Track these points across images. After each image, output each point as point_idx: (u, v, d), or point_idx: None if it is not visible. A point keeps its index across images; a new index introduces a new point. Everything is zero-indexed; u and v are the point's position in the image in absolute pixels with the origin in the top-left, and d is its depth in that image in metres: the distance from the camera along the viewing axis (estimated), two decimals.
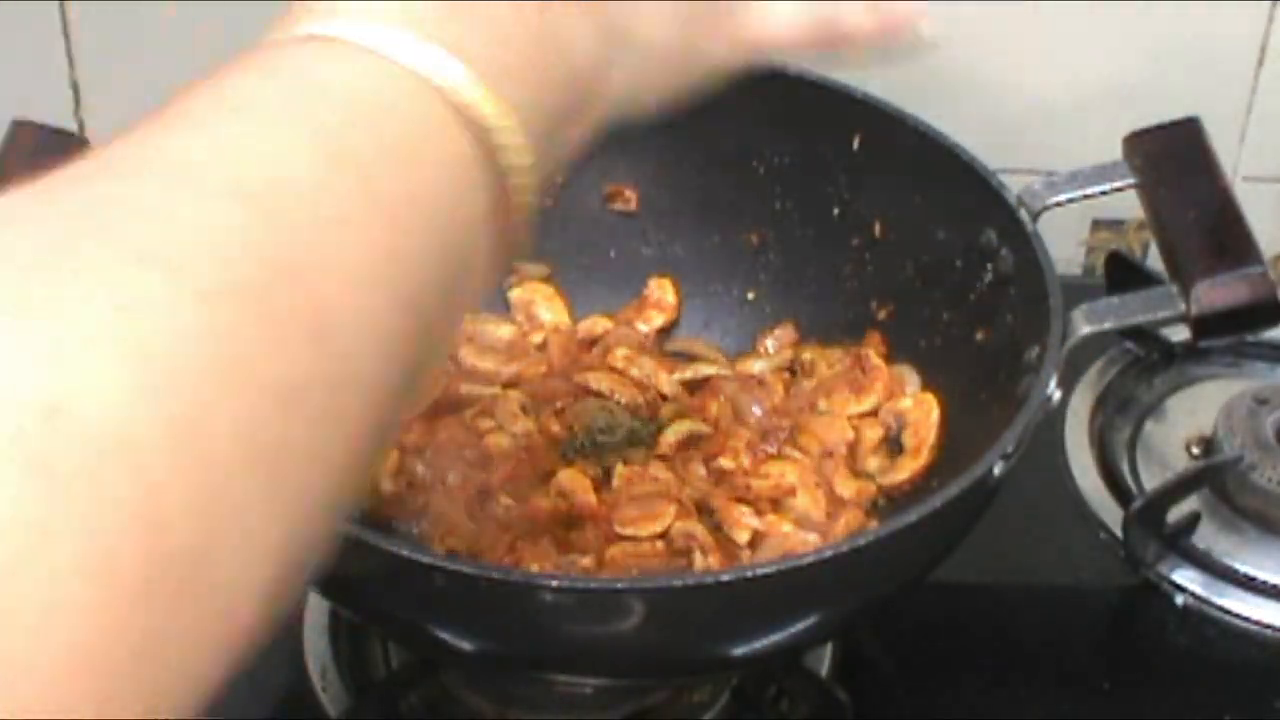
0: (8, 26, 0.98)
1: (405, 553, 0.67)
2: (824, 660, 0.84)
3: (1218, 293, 0.76)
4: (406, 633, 0.74)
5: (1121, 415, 0.98)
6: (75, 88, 1.00)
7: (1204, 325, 0.76)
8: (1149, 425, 0.97)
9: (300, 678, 0.83)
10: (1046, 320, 0.76)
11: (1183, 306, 0.76)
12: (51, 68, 0.99)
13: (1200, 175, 0.80)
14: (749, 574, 0.69)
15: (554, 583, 0.67)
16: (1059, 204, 0.81)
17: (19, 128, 0.80)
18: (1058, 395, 0.74)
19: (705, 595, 0.67)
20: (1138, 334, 0.98)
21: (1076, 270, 1.08)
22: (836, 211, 0.91)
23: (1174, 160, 0.81)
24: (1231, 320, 0.77)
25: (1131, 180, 0.81)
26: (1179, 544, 0.90)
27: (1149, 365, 1.00)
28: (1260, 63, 1.02)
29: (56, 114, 0.85)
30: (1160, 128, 0.82)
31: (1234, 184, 0.81)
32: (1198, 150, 0.81)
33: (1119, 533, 0.89)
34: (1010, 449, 0.71)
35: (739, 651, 0.73)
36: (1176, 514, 0.89)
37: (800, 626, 0.72)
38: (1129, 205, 0.83)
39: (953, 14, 0.98)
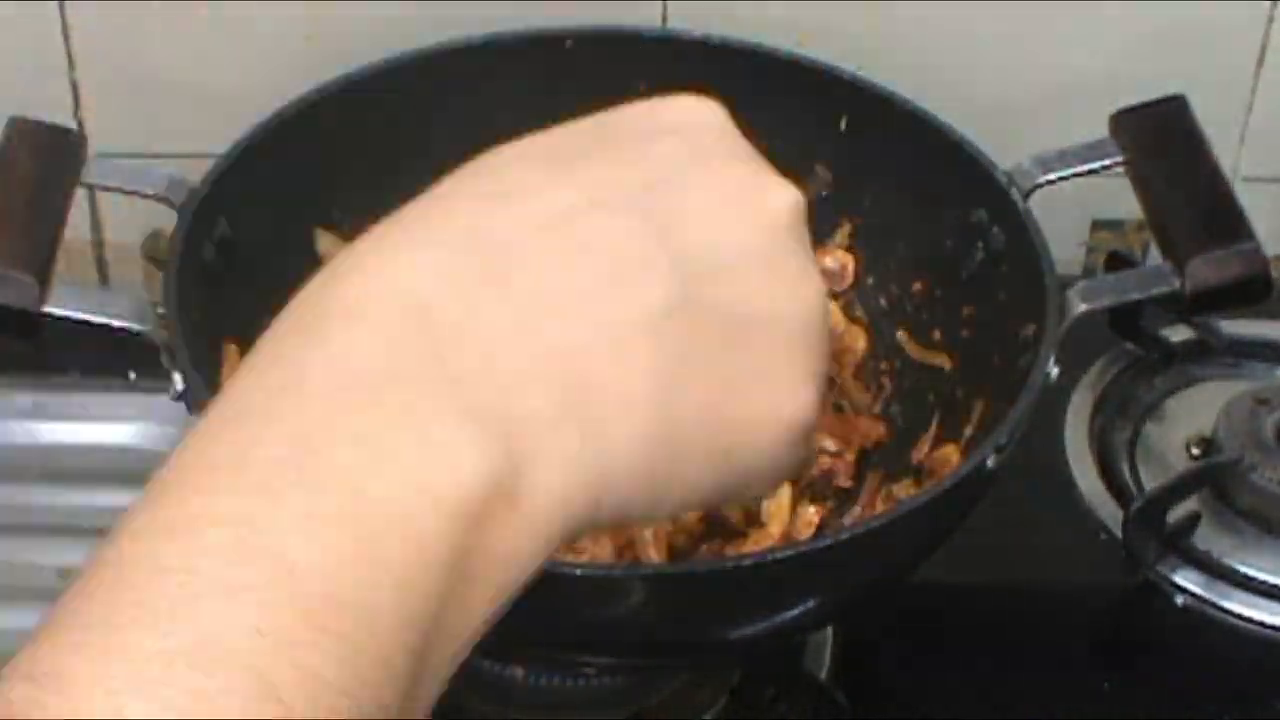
0: (8, 26, 0.98)
1: None
2: (822, 661, 0.84)
3: (1211, 269, 0.76)
4: None
5: (1121, 415, 0.98)
6: (75, 88, 1.00)
7: (1198, 301, 0.77)
8: (1149, 425, 0.97)
9: None
10: (1041, 298, 0.76)
11: (1177, 283, 0.77)
12: (51, 68, 0.99)
13: (1189, 152, 0.81)
14: (745, 563, 0.69)
15: (562, 570, 0.67)
16: (1050, 182, 0.82)
17: (19, 126, 0.80)
18: (1055, 372, 0.74)
19: (704, 582, 0.68)
20: (1137, 334, 0.98)
21: (1076, 270, 1.08)
22: (824, 192, 0.91)
23: (1162, 137, 0.82)
24: (1225, 296, 0.77)
25: (1120, 157, 0.82)
26: (1179, 544, 0.90)
27: (1149, 365, 1.00)
28: (1260, 63, 1.02)
29: (56, 114, 0.85)
30: (1146, 106, 0.83)
31: (1234, 184, 0.81)
32: (1185, 128, 0.82)
33: (1119, 533, 0.89)
34: (1006, 438, 0.71)
35: (735, 635, 0.73)
36: (1176, 514, 0.89)
37: (793, 614, 0.72)
38: (1129, 206, 0.83)
39: (954, 12, 0.99)
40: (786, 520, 0.84)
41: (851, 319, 0.91)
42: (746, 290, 0.46)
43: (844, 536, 0.71)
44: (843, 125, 0.89)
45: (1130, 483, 0.94)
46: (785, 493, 0.84)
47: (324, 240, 0.87)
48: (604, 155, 0.47)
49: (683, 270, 0.45)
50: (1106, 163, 0.82)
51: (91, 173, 0.80)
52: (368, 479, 0.38)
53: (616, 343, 0.43)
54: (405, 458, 0.39)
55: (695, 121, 0.50)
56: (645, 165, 0.47)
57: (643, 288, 0.44)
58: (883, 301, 0.91)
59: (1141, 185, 0.82)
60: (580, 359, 0.42)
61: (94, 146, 0.82)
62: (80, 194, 0.81)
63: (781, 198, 0.48)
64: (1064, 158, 0.83)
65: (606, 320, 0.43)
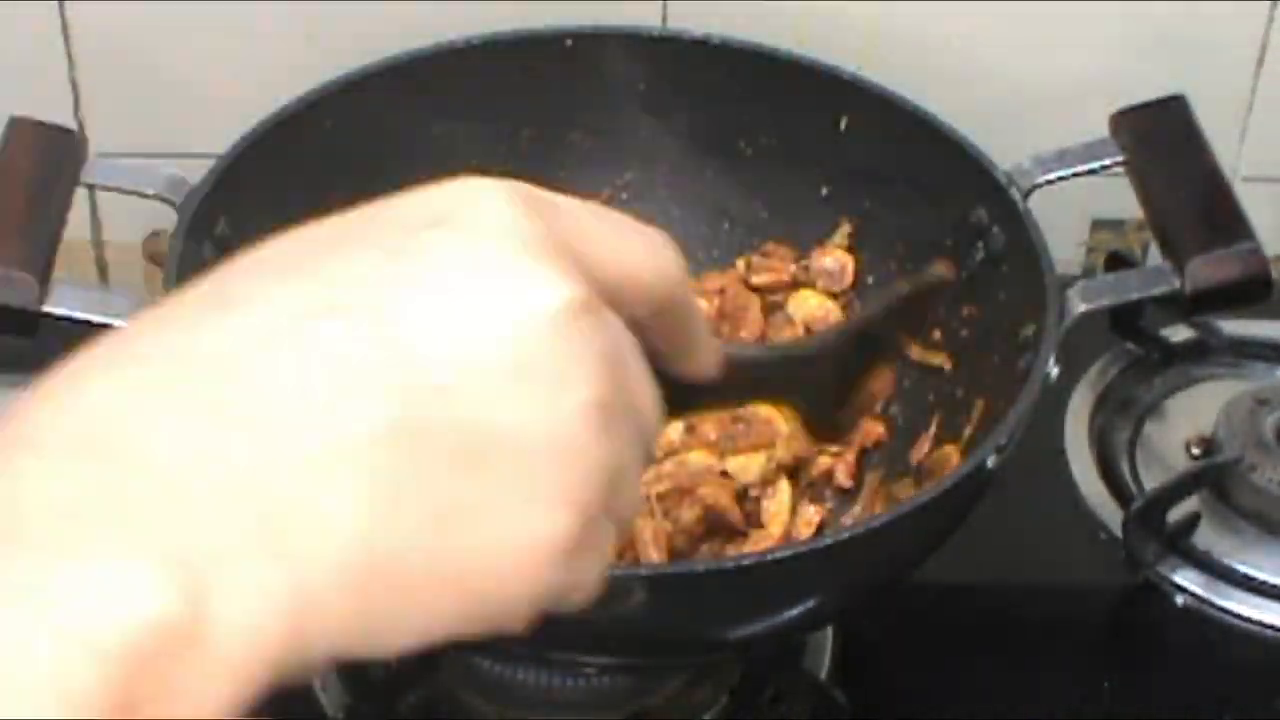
0: (8, 26, 0.98)
1: None
2: (822, 661, 0.84)
3: (1212, 269, 0.77)
4: None
5: (1121, 415, 0.98)
6: (75, 88, 1.00)
7: (1198, 301, 0.77)
8: (1149, 425, 0.97)
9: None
10: (1042, 297, 0.76)
11: (1177, 283, 0.77)
12: (51, 68, 0.99)
13: (1189, 152, 0.81)
14: (745, 563, 0.70)
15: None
16: (1050, 182, 0.82)
17: (19, 126, 0.80)
18: (1055, 372, 0.74)
19: (704, 582, 0.68)
20: (1138, 334, 0.98)
21: (1076, 270, 1.08)
22: (824, 192, 0.91)
23: (1162, 137, 0.83)
24: (1225, 296, 0.78)
25: (1120, 157, 0.82)
26: (1179, 544, 0.90)
27: (1149, 365, 1.00)
28: (1260, 62, 1.02)
29: (56, 114, 0.85)
30: (1146, 105, 0.83)
31: (1234, 184, 0.81)
32: (1185, 128, 0.82)
33: (1119, 533, 0.89)
34: (1006, 438, 0.71)
35: (735, 635, 0.74)
36: (1176, 514, 0.89)
37: (793, 614, 0.73)
38: (1129, 206, 0.83)
39: (955, 12, 0.99)
40: (786, 520, 0.84)
41: None
42: (487, 403, 0.42)
43: (844, 536, 0.71)
44: (843, 125, 0.89)
45: (1130, 483, 0.94)
46: (785, 493, 0.84)
47: None
48: (360, 248, 0.43)
49: (411, 386, 0.41)
50: (1106, 163, 0.83)
51: (91, 173, 0.80)
52: (27, 633, 0.36)
53: (318, 470, 0.40)
54: (66, 606, 0.36)
55: (470, 209, 0.44)
56: (400, 259, 0.43)
57: (356, 411, 0.41)
58: None
59: (1141, 185, 0.82)
60: (275, 486, 0.39)
61: (94, 146, 0.82)
62: (80, 194, 0.81)
63: (550, 294, 0.43)
64: (1064, 158, 0.83)
65: (309, 446, 0.40)
